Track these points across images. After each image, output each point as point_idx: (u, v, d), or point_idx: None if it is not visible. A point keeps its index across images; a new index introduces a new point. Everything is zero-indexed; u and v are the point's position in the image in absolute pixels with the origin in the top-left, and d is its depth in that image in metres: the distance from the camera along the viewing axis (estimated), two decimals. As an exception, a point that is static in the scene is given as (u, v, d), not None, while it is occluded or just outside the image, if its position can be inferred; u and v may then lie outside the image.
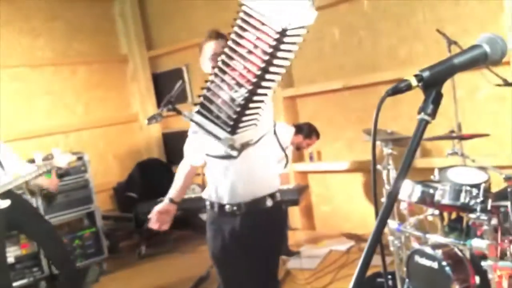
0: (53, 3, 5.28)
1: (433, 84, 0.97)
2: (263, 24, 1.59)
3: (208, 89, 1.71)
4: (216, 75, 1.68)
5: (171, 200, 2.19)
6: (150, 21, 6.03)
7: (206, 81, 1.71)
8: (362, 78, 4.13)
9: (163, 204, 2.19)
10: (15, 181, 3.33)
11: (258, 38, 1.60)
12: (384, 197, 3.06)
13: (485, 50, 0.98)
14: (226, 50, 1.65)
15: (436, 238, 2.46)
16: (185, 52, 5.51)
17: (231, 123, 1.67)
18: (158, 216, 2.18)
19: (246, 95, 1.63)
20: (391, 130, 3.12)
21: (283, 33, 1.55)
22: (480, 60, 0.99)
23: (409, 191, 2.51)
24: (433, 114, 0.95)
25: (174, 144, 5.73)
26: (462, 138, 2.92)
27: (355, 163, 4.26)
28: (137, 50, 5.92)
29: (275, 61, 1.61)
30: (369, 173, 4.16)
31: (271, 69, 1.62)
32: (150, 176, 5.14)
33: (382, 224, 0.92)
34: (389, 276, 2.81)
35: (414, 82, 0.96)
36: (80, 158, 4.43)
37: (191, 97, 5.49)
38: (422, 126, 0.95)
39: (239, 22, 1.63)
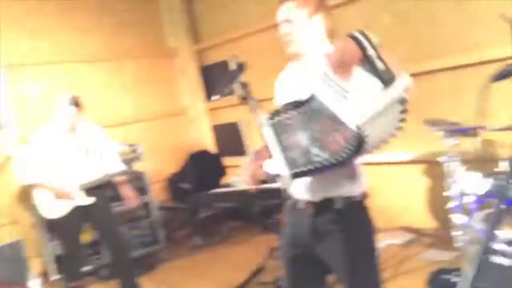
0: (101, -1, 5.40)
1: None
2: (336, 119, 1.48)
3: (287, 115, 1.63)
4: (300, 110, 1.59)
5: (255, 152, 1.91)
6: (197, 14, 6.06)
7: (288, 107, 1.62)
8: (418, 65, 3.99)
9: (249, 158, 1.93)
10: (102, 179, 3.42)
11: (336, 130, 1.50)
12: (448, 190, 2.97)
13: None
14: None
15: (507, 233, 2.36)
16: (233, 44, 5.51)
17: (295, 171, 1.60)
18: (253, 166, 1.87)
19: (326, 163, 1.53)
20: (454, 121, 3.01)
21: (360, 132, 1.42)
22: None
23: (478, 184, 2.42)
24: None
25: (224, 136, 5.76)
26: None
27: (412, 155, 4.14)
28: (184, 43, 5.98)
29: (366, 145, 1.49)
30: (429, 165, 4.03)
31: (362, 150, 1.51)
32: (202, 168, 5.20)
33: (493, 227, 0.88)
34: (456, 273, 2.72)
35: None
36: (134, 150, 4.54)
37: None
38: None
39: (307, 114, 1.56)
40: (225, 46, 5.64)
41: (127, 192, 3.58)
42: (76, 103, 3.45)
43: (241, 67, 2.09)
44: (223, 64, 5.66)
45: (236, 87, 2.05)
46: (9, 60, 4.71)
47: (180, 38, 5.98)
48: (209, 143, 5.96)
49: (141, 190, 4.60)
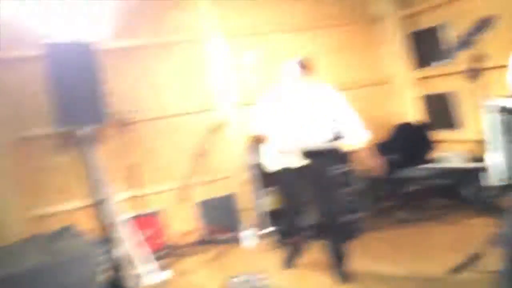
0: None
1: None
2: None
3: None
4: None
5: None
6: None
7: None
8: None
9: None
10: (325, 145, 3.38)
11: None
12: None
13: None
14: None
15: None
16: (446, 8, 5.06)
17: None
18: None
19: None
20: None
21: None
22: None
23: None
24: None
25: (433, 108, 5.41)
26: None
27: None
28: (389, 9, 5.73)
29: None
30: None
31: None
32: (408, 140, 5.01)
33: None
34: None
35: None
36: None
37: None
38: None
39: None
40: (437, 10, 5.21)
41: (371, 160, 3.48)
42: (303, 65, 3.52)
43: (487, 23, 1.83)
44: (434, 30, 5.26)
45: (468, 55, 1.86)
46: (228, 31, 5.19)
47: (385, 3, 5.74)
48: (413, 114, 5.68)
49: (344, 158, 4.66)
